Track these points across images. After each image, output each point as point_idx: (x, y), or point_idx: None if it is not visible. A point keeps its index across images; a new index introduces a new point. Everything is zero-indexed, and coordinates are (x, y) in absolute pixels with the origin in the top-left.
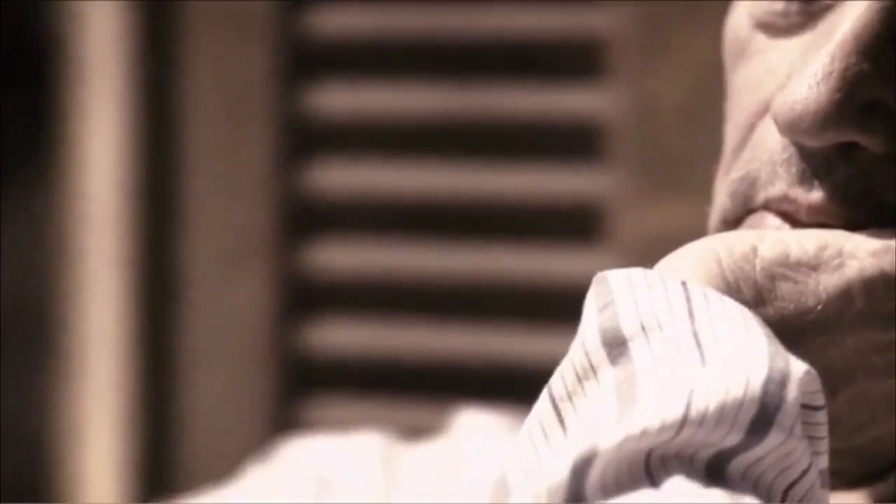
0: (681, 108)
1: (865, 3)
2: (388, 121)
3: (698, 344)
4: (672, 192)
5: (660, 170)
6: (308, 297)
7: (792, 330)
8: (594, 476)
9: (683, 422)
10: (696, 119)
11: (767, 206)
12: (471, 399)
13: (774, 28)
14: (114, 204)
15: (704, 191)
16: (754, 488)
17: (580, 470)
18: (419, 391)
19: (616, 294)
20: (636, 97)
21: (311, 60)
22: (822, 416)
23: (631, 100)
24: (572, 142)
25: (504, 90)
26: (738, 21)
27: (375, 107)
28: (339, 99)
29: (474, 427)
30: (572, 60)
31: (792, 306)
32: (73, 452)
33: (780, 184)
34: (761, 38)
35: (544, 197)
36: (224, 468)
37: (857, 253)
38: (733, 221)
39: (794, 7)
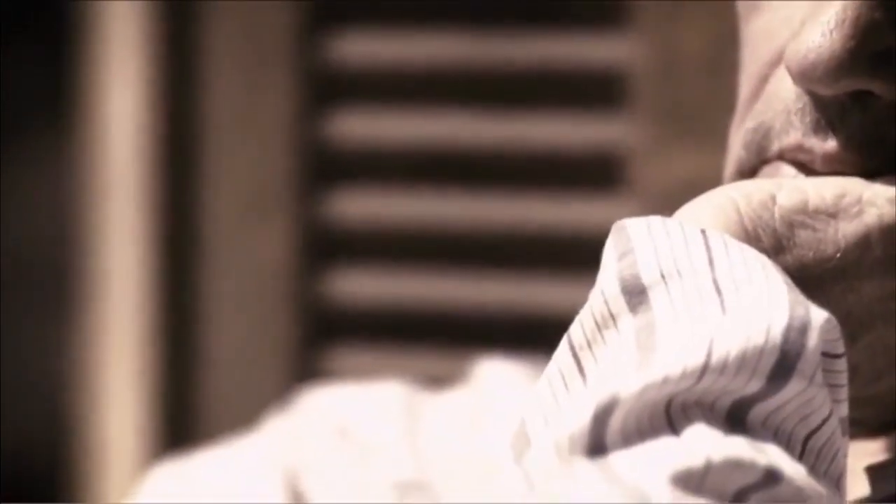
0: (703, 57)
1: None
2: (410, 69)
3: (718, 292)
4: (693, 140)
5: (681, 118)
6: (330, 246)
7: (811, 277)
8: (615, 424)
9: (704, 369)
10: (718, 68)
11: (782, 156)
12: (491, 348)
13: None
14: (136, 153)
15: (725, 139)
16: (775, 436)
17: (601, 418)
18: (440, 340)
19: (635, 242)
20: (658, 45)
21: (333, 8)
22: (841, 364)
23: (653, 48)
24: (594, 90)
25: (526, 39)
26: None
27: (398, 55)
28: (362, 47)
29: (495, 376)
30: (595, 8)
31: (811, 254)
32: (94, 402)
33: (795, 133)
34: None
35: (565, 145)
36: (245, 418)
37: (876, 200)
38: (748, 172)
39: None
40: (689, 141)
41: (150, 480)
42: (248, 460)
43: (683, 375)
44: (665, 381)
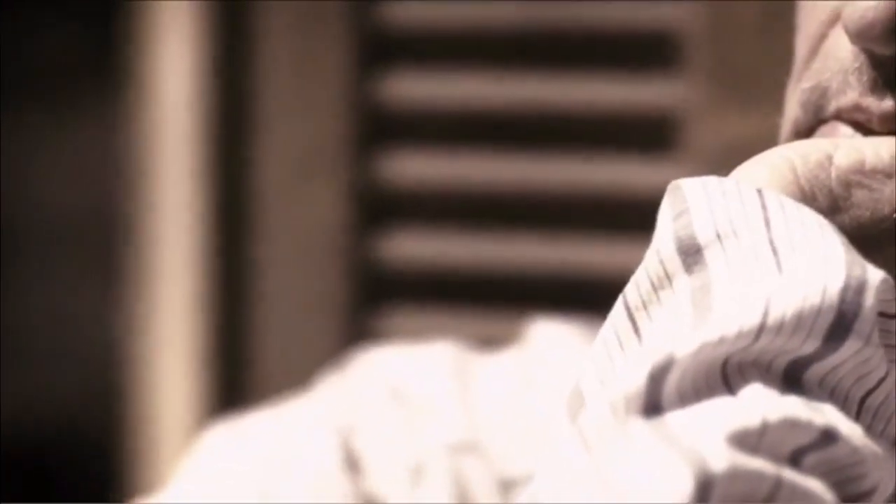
0: (756, 18)
1: None
2: (462, 31)
3: (774, 251)
4: (747, 101)
5: (735, 80)
6: (382, 208)
7: (867, 237)
8: (671, 384)
9: (761, 329)
10: (772, 29)
11: (839, 116)
12: (544, 310)
13: None
14: (189, 117)
15: (780, 100)
16: (831, 396)
17: (657, 378)
18: (493, 302)
19: (691, 202)
20: (712, 7)
21: None
22: None
23: (707, 9)
24: (648, 52)
25: (581, 1)
26: None
27: (452, 17)
28: (416, 8)
29: (548, 337)
30: None
31: (868, 214)
32: (147, 366)
33: (852, 93)
34: None
35: (619, 107)
36: (298, 379)
37: None
38: (805, 131)
39: None
40: (742, 102)
41: (205, 439)
42: (302, 419)
43: (740, 335)
44: (721, 340)
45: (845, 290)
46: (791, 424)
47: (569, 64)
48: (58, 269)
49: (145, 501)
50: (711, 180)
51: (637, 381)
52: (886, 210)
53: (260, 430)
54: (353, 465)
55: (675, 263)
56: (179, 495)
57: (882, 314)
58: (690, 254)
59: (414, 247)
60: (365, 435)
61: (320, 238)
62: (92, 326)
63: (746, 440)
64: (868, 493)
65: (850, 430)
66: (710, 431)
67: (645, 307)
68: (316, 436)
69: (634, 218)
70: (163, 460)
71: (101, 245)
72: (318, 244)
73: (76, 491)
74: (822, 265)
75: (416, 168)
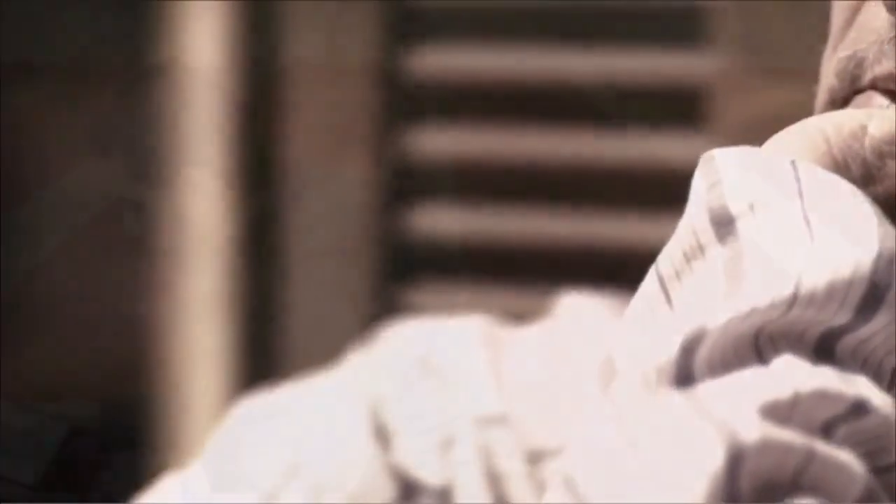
0: None
1: None
2: (492, 6)
3: (807, 222)
4: (777, 73)
5: (764, 51)
6: (413, 183)
7: None
8: (702, 355)
9: (793, 300)
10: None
11: (875, 86)
12: (574, 284)
13: None
14: (218, 92)
15: (810, 71)
16: (863, 367)
17: (689, 349)
18: (523, 277)
19: (724, 173)
20: None
21: None
22: None
23: None
24: (677, 23)
25: None
26: None
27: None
28: None
29: (578, 311)
30: None
31: None
32: (178, 341)
33: (888, 63)
34: None
35: (649, 80)
36: (328, 354)
37: None
38: (841, 101)
39: None
40: (772, 74)
41: (235, 412)
42: (331, 391)
43: (772, 306)
44: (753, 311)
45: (878, 260)
46: (823, 396)
47: (598, 38)
48: (89, 243)
49: (175, 474)
50: (744, 151)
51: (669, 352)
52: None
53: (289, 403)
54: (382, 436)
55: (707, 234)
56: (209, 468)
57: None
58: (723, 224)
59: (443, 222)
60: (394, 406)
61: (350, 212)
62: (122, 302)
63: (778, 411)
64: None
65: (882, 401)
66: (741, 403)
67: (678, 277)
68: (345, 407)
69: (665, 191)
70: (193, 434)
71: (133, 221)
72: (347, 219)
73: (108, 466)
74: (855, 236)
75: (445, 143)
